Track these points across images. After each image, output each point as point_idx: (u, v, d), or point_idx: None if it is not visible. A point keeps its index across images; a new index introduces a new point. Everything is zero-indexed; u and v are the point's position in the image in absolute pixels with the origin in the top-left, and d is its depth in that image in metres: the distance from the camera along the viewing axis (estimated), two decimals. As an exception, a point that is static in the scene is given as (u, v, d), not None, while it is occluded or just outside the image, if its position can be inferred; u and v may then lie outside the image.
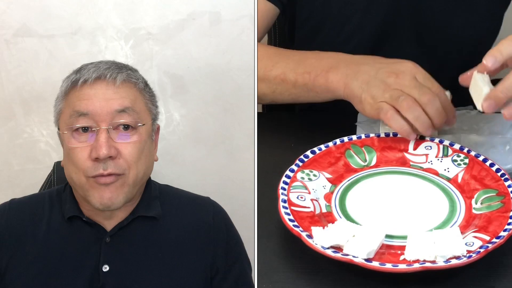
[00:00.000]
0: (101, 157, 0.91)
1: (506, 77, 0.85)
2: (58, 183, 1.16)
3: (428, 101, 0.91)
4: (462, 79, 0.94)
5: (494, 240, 0.76)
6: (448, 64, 1.23)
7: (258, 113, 1.01)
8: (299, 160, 0.93)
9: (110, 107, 0.94)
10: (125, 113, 0.94)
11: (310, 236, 0.78)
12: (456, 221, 0.83)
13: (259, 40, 1.24)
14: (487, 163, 0.90)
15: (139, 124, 0.96)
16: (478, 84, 0.89)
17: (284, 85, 1.07)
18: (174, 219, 1.02)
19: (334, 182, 0.92)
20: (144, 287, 0.96)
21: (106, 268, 0.95)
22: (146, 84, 1.02)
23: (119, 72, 0.97)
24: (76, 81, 0.95)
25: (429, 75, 0.96)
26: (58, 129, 0.99)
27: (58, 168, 1.20)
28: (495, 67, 0.88)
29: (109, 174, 0.92)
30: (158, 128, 1.05)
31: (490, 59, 0.87)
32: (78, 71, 0.98)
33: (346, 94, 0.99)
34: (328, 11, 1.19)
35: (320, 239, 0.77)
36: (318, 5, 1.19)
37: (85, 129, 0.94)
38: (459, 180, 0.91)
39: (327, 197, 0.89)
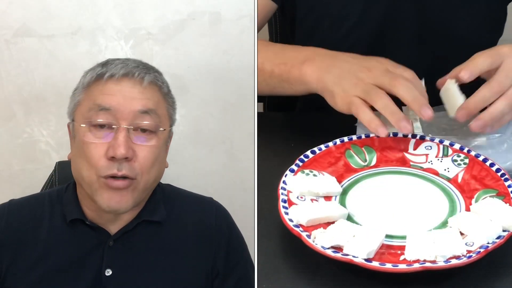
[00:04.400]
0: (118, 157, 0.89)
1: (479, 90, 0.92)
2: (60, 183, 1.15)
3: (399, 83, 0.92)
4: (439, 83, 0.99)
5: (494, 240, 0.76)
6: (449, 64, 1.23)
7: (258, 113, 1.01)
8: (299, 160, 0.93)
9: (134, 106, 0.91)
10: (147, 115, 0.92)
11: (310, 236, 0.78)
12: (456, 221, 0.83)
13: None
14: (487, 163, 0.90)
15: (161, 129, 0.94)
16: (452, 93, 0.95)
17: (261, 74, 1.07)
18: (177, 221, 1.01)
19: (334, 182, 0.92)
20: None
21: (108, 272, 0.94)
22: (169, 89, 1.00)
23: (147, 73, 0.95)
24: (102, 75, 0.93)
25: (402, 66, 0.98)
26: (73, 120, 0.95)
27: (59, 168, 1.20)
28: (470, 80, 0.93)
29: (123, 176, 0.90)
30: (172, 135, 1.03)
31: (466, 73, 0.93)
32: (104, 64, 0.95)
33: (319, 88, 1.00)
34: (327, 8, 1.19)
35: (320, 239, 0.77)
36: (316, 1, 1.20)
37: (103, 125, 0.91)
38: (459, 180, 0.91)
39: (327, 197, 0.89)
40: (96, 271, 0.94)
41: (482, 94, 0.92)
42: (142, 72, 0.94)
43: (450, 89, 0.96)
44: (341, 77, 0.97)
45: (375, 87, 0.93)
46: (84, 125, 0.91)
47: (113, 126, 0.90)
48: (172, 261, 0.98)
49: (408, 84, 0.92)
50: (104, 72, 0.93)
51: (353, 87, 0.95)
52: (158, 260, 0.97)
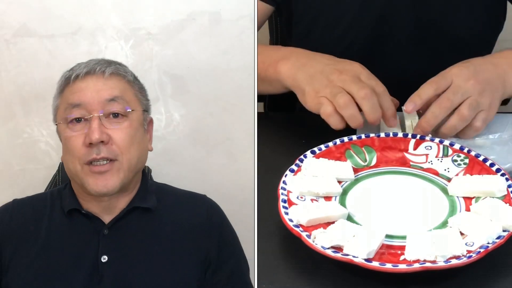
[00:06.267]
0: (93, 142, 0.96)
1: (429, 108, 0.97)
2: (63, 183, 1.18)
3: (365, 95, 0.95)
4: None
5: (494, 240, 0.76)
6: (446, 64, 1.22)
7: (258, 113, 1.01)
8: (299, 160, 0.93)
9: (101, 97, 0.99)
10: (115, 102, 1.00)
11: (310, 236, 0.78)
12: (456, 221, 0.83)
13: None
14: (487, 163, 0.90)
15: (129, 110, 1.01)
16: (408, 117, 1.02)
17: None
18: (170, 213, 1.06)
19: (334, 182, 0.92)
20: (141, 276, 0.99)
21: (105, 258, 0.99)
22: (135, 78, 1.07)
23: (108, 66, 1.03)
24: (69, 77, 1.02)
25: (374, 75, 1.01)
26: (56, 124, 1.04)
27: (63, 168, 1.22)
28: (416, 110, 0.98)
29: (102, 158, 0.97)
30: (151, 121, 1.10)
31: (409, 105, 0.97)
32: (71, 69, 1.04)
33: (292, 85, 1.04)
34: (322, 7, 1.19)
35: (320, 239, 0.77)
36: (312, 1, 1.20)
37: (79, 120, 0.99)
38: (459, 180, 0.91)
39: (327, 197, 0.89)
40: (93, 258, 0.99)
41: (431, 111, 0.96)
42: (103, 66, 1.02)
43: (407, 116, 1.02)
44: (313, 77, 1.00)
45: (342, 90, 0.96)
46: (61, 122, 1.01)
47: (87, 117, 0.99)
48: (165, 249, 1.02)
49: (373, 99, 0.96)
50: (70, 75, 1.02)
51: (323, 88, 0.98)
52: (152, 247, 1.02)
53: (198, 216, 1.06)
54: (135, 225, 1.03)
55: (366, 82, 0.98)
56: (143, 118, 1.05)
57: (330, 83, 0.98)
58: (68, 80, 1.02)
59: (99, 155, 0.97)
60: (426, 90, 0.97)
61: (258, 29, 1.27)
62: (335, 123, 0.97)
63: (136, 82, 1.06)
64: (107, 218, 1.02)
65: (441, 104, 0.96)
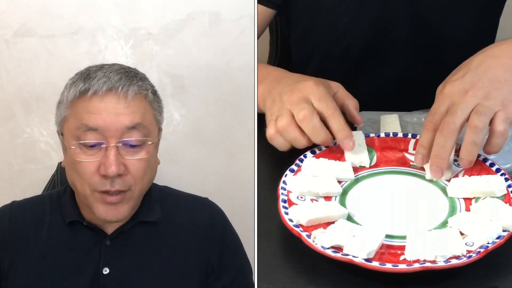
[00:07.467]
0: (110, 175, 0.90)
1: (434, 144, 0.86)
2: (62, 184, 1.17)
3: (303, 117, 0.89)
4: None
5: (494, 240, 0.76)
6: (443, 65, 1.22)
7: (258, 113, 1.01)
8: (299, 160, 0.93)
9: (121, 123, 0.91)
10: (135, 130, 0.92)
11: (310, 236, 0.78)
12: (456, 221, 0.83)
13: None
14: (487, 163, 0.90)
15: (149, 143, 0.95)
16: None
17: None
18: (173, 221, 1.03)
19: (334, 182, 0.92)
20: None
21: (106, 270, 0.96)
22: (154, 92, 1.00)
23: (131, 84, 0.93)
24: (85, 92, 0.92)
25: (327, 95, 0.93)
26: (62, 134, 0.96)
27: (61, 168, 1.20)
28: (427, 160, 0.89)
29: (116, 191, 0.92)
30: (161, 130, 1.04)
31: (418, 160, 0.90)
32: (86, 78, 0.93)
33: (263, 110, 0.99)
34: (320, 9, 1.19)
35: (320, 239, 0.77)
36: (309, 3, 1.20)
37: (93, 144, 0.92)
38: (459, 180, 0.91)
39: (327, 197, 0.89)
40: (94, 270, 0.96)
41: (436, 143, 0.85)
42: (126, 85, 0.92)
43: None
44: (274, 100, 0.95)
45: (286, 112, 0.91)
46: (74, 147, 0.92)
47: (103, 146, 0.91)
48: (168, 259, 0.99)
49: (313, 121, 0.89)
50: (87, 89, 0.92)
51: (276, 110, 0.93)
52: (154, 258, 0.99)
53: (201, 220, 1.04)
54: (138, 236, 1.00)
55: (314, 103, 0.91)
56: (157, 139, 1.00)
57: (282, 106, 0.92)
58: (84, 94, 0.92)
59: (113, 188, 0.91)
60: (425, 136, 0.88)
61: (260, 33, 1.27)
62: (278, 145, 0.93)
63: (155, 99, 0.99)
64: (109, 229, 0.99)
65: (442, 131, 0.84)
